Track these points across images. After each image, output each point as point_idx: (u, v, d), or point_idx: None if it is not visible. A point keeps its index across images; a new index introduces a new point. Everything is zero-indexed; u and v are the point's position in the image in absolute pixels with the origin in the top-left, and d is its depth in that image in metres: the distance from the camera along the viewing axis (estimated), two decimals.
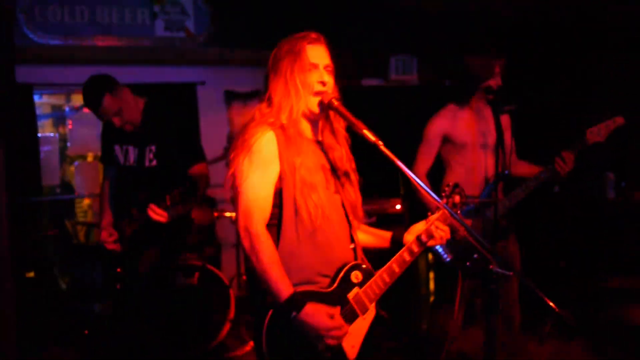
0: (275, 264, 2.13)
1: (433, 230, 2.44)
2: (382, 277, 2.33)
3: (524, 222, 4.05)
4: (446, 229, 2.46)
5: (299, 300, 2.10)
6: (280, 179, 2.22)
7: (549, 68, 5.92)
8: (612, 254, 5.08)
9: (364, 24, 5.87)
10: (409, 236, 2.47)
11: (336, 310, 2.16)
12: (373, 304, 2.34)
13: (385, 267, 2.36)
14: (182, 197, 3.35)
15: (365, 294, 2.29)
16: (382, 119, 5.77)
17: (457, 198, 2.53)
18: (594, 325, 4.77)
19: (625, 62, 5.35)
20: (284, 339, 2.14)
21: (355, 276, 2.29)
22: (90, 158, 6.62)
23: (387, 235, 2.54)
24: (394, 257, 2.38)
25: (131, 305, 3.94)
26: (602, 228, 5.24)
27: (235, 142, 2.27)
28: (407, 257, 2.39)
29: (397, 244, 2.49)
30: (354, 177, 2.45)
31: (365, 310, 2.30)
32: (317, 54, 2.32)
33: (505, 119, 3.83)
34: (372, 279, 2.32)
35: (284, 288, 2.10)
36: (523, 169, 3.82)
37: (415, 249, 2.41)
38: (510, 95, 3.52)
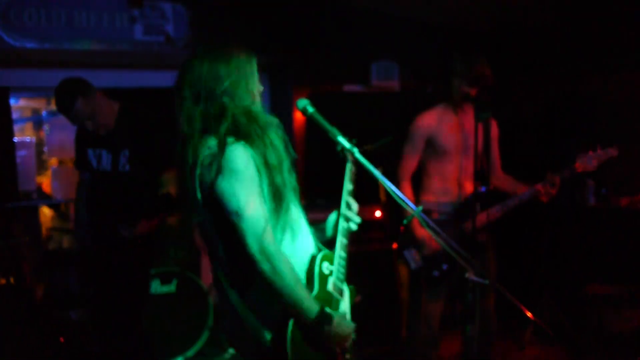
0: (299, 283, 2.10)
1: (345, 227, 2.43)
2: (340, 254, 2.35)
3: (504, 229, 4.05)
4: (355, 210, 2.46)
5: (327, 313, 2.12)
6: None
7: (534, 80, 5.96)
8: (592, 260, 5.10)
9: (345, 30, 5.86)
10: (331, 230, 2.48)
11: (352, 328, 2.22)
12: (344, 284, 2.38)
13: (337, 244, 2.36)
14: (154, 210, 3.35)
15: (338, 279, 2.32)
16: (363, 125, 5.82)
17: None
18: (574, 332, 4.79)
19: (613, 78, 5.39)
20: (307, 347, 2.14)
21: (327, 267, 2.31)
22: (67, 163, 6.54)
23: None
24: (339, 230, 2.38)
25: (108, 312, 3.89)
26: (582, 234, 5.25)
27: (202, 159, 2.12)
28: (346, 224, 2.40)
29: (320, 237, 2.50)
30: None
31: (342, 294, 2.34)
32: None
33: (494, 130, 3.84)
34: (336, 262, 2.33)
35: (312, 304, 2.10)
36: (506, 184, 3.81)
37: (349, 215, 2.41)
38: (490, 103, 3.50)
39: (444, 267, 3.64)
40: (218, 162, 2.07)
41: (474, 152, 3.68)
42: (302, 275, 2.26)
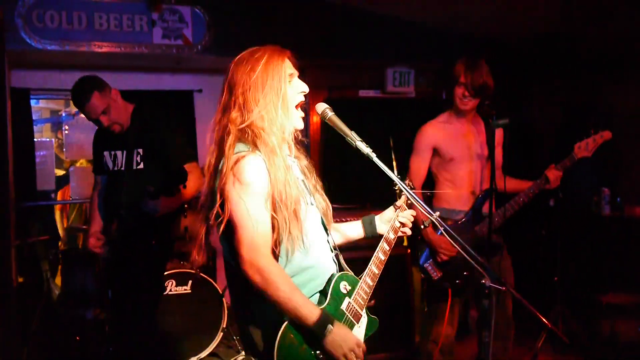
0: (295, 289, 2.10)
1: (397, 226, 2.48)
2: (366, 281, 2.34)
3: (519, 237, 4.04)
4: (409, 214, 2.49)
5: (328, 318, 2.11)
6: (273, 205, 2.15)
7: (541, 85, 5.96)
8: (607, 269, 5.08)
9: (362, 35, 5.89)
10: (382, 225, 2.52)
11: (362, 344, 2.19)
12: (364, 310, 2.34)
13: (365, 271, 2.36)
14: (169, 183, 3.38)
15: (356, 302, 2.30)
16: (378, 130, 5.84)
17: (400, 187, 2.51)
18: (588, 340, 4.76)
19: (618, 82, 5.37)
20: (297, 353, 2.13)
21: (344, 287, 2.28)
22: (85, 164, 6.60)
23: (358, 225, 2.58)
24: (371, 259, 2.38)
25: (123, 312, 3.93)
26: (597, 243, 5.24)
27: (222, 168, 2.15)
28: (383, 257, 2.41)
29: (369, 227, 2.56)
30: (319, 182, 2.45)
31: (358, 318, 2.30)
32: (291, 65, 2.30)
33: (498, 134, 3.84)
34: (358, 286, 2.32)
35: (312, 309, 2.10)
36: (510, 184, 3.83)
37: (387, 247, 2.43)
38: (505, 109, 3.53)
39: (465, 273, 3.64)
40: (233, 171, 2.11)
41: (488, 157, 3.71)
42: (316, 289, 2.26)
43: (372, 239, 2.56)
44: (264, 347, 2.16)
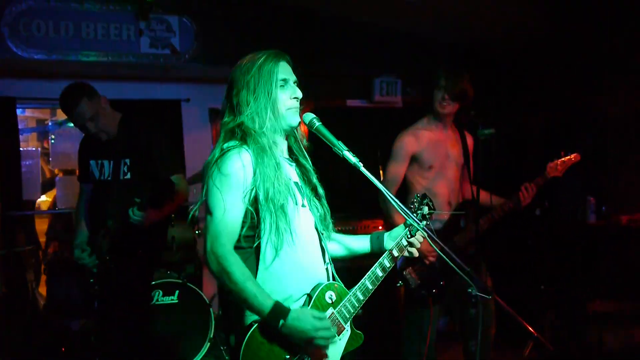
0: (249, 279, 2.11)
1: (403, 245, 2.45)
2: (356, 295, 2.33)
3: (506, 245, 4.06)
4: (419, 235, 2.45)
5: (283, 307, 2.10)
6: (256, 199, 2.19)
7: (528, 94, 6.00)
8: (593, 277, 5.11)
9: (349, 45, 5.91)
10: (390, 241, 2.49)
11: (322, 313, 2.17)
12: (349, 323, 2.33)
13: (358, 284, 2.35)
14: (156, 196, 3.37)
15: (340, 314, 2.29)
16: (366, 139, 5.85)
17: (425, 209, 2.53)
18: (575, 348, 4.78)
19: (605, 91, 5.42)
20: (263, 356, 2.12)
21: (329, 296, 2.28)
22: (72, 173, 6.56)
23: (365, 239, 2.55)
24: (367, 274, 2.37)
25: (109, 322, 3.90)
26: (582, 252, 5.27)
27: (208, 162, 2.24)
28: (380, 273, 2.39)
29: (376, 242, 2.52)
30: (320, 190, 2.46)
31: (341, 330, 2.29)
32: (286, 70, 2.35)
33: (470, 143, 3.89)
34: (345, 298, 2.31)
35: (266, 299, 2.09)
36: (483, 197, 3.85)
37: (388, 264, 2.41)
38: (491, 118, 3.56)
39: (441, 282, 3.65)
40: (216, 163, 2.19)
41: (463, 166, 3.74)
42: (304, 290, 2.26)
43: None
44: (236, 351, 2.16)
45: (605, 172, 5.45)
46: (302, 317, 2.09)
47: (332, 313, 2.27)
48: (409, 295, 3.76)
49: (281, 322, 2.07)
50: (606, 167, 5.42)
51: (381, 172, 5.17)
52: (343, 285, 2.36)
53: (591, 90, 5.50)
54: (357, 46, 5.96)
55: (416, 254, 2.48)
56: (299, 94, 2.34)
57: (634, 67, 5.13)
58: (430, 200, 2.57)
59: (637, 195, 5.20)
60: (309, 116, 2.34)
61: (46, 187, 6.72)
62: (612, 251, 5.10)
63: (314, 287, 2.28)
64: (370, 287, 2.36)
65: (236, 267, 2.11)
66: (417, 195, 2.56)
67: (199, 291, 4.78)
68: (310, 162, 2.45)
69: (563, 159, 3.77)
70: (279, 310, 2.08)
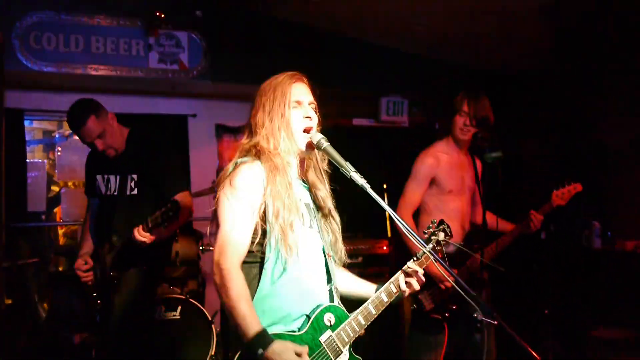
0: (243, 300, 2.09)
1: (409, 273, 2.40)
2: (357, 319, 2.30)
3: (510, 269, 4.04)
4: (419, 276, 2.40)
5: (266, 337, 2.06)
6: (264, 215, 2.20)
7: (537, 119, 6.00)
8: (597, 303, 5.07)
9: (356, 65, 5.94)
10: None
11: (304, 349, 2.11)
12: (347, 348, 2.29)
13: (360, 308, 2.33)
14: (163, 218, 3.36)
15: (339, 337, 2.26)
16: (372, 158, 5.86)
17: (441, 235, 2.52)
18: None
19: (610, 116, 5.43)
20: None
21: (328, 319, 2.26)
22: (76, 186, 6.58)
23: (371, 287, 2.49)
24: (371, 298, 2.35)
25: (111, 336, 3.88)
26: (588, 277, 5.23)
27: (220, 177, 2.27)
28: (385, 298, 2.37)
29: (381, 284, 2.45)
30: (335, 216, 2.46)
31: (338, 354, 2.25)
32: (301, 91, 2.37)
33: (479, 167, 3.89)
34: (346, 322, 2.29)
35: (252, 324, 2.07)
36: (491, 221, 3.85)
37: (394, 289, 2.38)
38: (497, 144, 3.56)
39: (453, 307, 3.63)
40: (229, 176, 2.23)
41: (478, 191, 3.73)
42: (303, 310, 2.24)
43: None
44: None
45: (610, 197, 5.43)
46: (282, 352, 2.04)
47: (330, 336, 2.24)
48: (421, 319, 3.74)
49: (260, 351, 2.03)
50: (611, 192, 5.40)
51: (385, 194, 5.19)
52: (344, 309, 2.33)
53: (593, 116, 5.51)
54: (364, 66, 5.99)
55: (416, 286, 2.40)
56: (312, 115, 2.35)
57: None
58: (448, 227, 2.55)
59: None
60: (317, 136, 2.34)
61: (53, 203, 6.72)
62: (617, 277, 5.06)
63: (314, 308, 2.26)
64: (374, 312, 2.33)
65: (236, 283, 2.10)
66: (433, 221, 2.54)
67: (202, 307, 4.75)
68: (327, 186, 2.46)
69: (568, 187, 3.77)
70: (261, 339, 2.05)
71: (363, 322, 2.31)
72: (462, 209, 3.83)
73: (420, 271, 2.41)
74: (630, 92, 5.22)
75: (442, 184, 3.78)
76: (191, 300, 4.69)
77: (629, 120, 5.27)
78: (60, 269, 6.25)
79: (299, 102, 2.34)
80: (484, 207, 3.55)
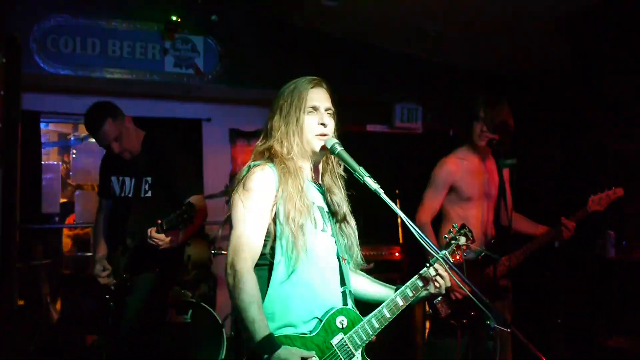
0: (254, 303, 2.10)
1: (430, 275, 2.38)
2: (371, 322, 2.29)
3: (523, 277, 4.01)
4: (446, 275, 2.38)
5: (273, 342, 2.07)
6: (277, 217, 2.21)
7: (551, 125, 5.96)
8: (611, 312, 5.03)
9: (371, 70, 5.94)
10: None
11: (311, 354, 2.11)
12: (360, 351, 2.28)
13: (375, 312, 2.31)
14: (178, 220, 3.37)
15: (351, 340, 2.24)
16: (385, 164, 5.85)
17: (462, 240, 2.49)
18: None
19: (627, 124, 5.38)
20: None
21: (340, 321, 2.25)
22: (91, 188, 6.61)
23: (389, 290, 2.46)
24: (386, 302, 2.33)
25: (122, 339, 3.89)
26: (602, 286, 5.19)
27: (237, 178, 2.29)
28: (401, 302, 2.34)
29: (398, 287, 2.44)
30: (351, 220, 2.45)
31: (350, 357, 2.23)
32: (318, 97, 2.36)
33: (506, 173, 3.83)
34: (359, 325, 2.27)
35: (260, 329, 2.07)
36: (521, 224, 3.80)
37: (410, 293, 2.37)
38: (513, 149, 3.53)
39: (472, 313, 3.60)
40: (243, 179, 2.25)
41: (498, 198, 3.69)
42: (314, 313, 2.23)
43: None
44: None
45: (626, 206, 5.38)
46: (287, 358, 2.05)
47: (342, 338, 2.23)
48: (438, 324, 3.71)
49: (265, 356, 2.04)
50: (627, 201, 5.36)
51: (397, 199, 5.17)
52: (357, 312, 2.32)
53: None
54: (378, 72, 5.99)
55: (434, 289, 2.37)
56: (327, 122, 2.34)
57: None
58: (470, 231, 2.53)
59: None
60: (331, 141, 2.33)
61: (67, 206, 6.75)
62: (630, 286, 5.01)
63: (326, 311, 2.25)
64: (388, 315, 2.31)
65: (249, 286, 2.11)
66: (455, 225, 2.53)
67: (213, 311, 4.76)
68: (343, 191, 2.45)
69: (608, 192, 3.66)
70: (268, 345, 2.05)
71: (377, 326, 2.29)
72: (484, 215, 3.78)
73: (444, 274, 2.36)
74: (630, 92, 5.17)
75: (461, 190, 3.76)
76: (202, 304, 4.70)
77: (631, 122, 5.23)
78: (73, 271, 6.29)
79: (315, 108, 2.34)
80: (509, 214, 3.52)
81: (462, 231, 2.52)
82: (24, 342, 4.65)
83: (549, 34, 5.01)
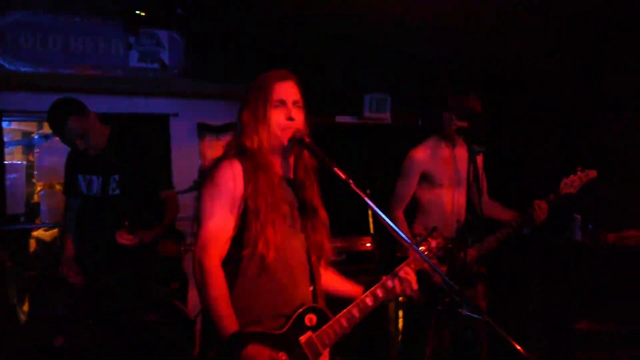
0: (222, 299, 2.09)
1: (398, 278, 2.38)
2: (340, 322, 2.28)
3: (494, 265, 4.05)
4: (412, 278, 2.38)
5: (242, 339, 2.05)
6: (245, 212, 2.19)
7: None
8: (579, 296, 5.10)
9: (339, 61, 5.92)
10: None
11: (281, 356, 2.10)
12: (327, 350, 2.27)
13: (344, 311, 2.30)
14: (146, 220, 3.34)
15: (319, 339, 2.23)
16: (355, 156, 5.85)
17: (433, 243, 2.50)
18: None
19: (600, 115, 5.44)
20: None
21: (309, 319, 2.24)
22: (57, 187, 6.50)
23: (358, 288, 2.47)
24: (355, 302, 2.32)
25: (92, 339, 3.85)
26: (569, 270, 5.26)
27: (204, 176, 2.27)
28: (370, 303, 2.34)
29: (368, 285, 2.43)
30: (322, 215, 2.44)
31: (317, 355, 2.22)
32: (286, 91, 2.34)
33: (479, 160, 3.87)
34: (327, 324, 2.26)
35: (229, 325, 2.06)
36: (496, 211, 3.84)
37: (380, 294, 2.36)
38: (483, 137, 3.56)
39: (446, 300, 3.62)
40: (210, 173, 2.24)
41: (467, 184, 3.72)
42: (282, 310, 2.22)
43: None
44: None
45: (591, 189, 5.45)
46: (256, 355, 2.04)
47: (310, 337, 2.22)
48: (411, 313, 3.73)
49: (233, 353, 2.03)
50: (595, 185, 5.43)
51: (368, 190, 5.18)
52: (327, 310, 2.31)
53: (593, 116, 5.51)
54: (347, 62, 5.97)
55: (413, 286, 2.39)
56: (295, 115, 2.32)
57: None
58: (441, 234, 2.54)
59: (624, 213, 5.21)
60: (299, 133, 2.32)
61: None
62: (598, 270, 5.09)
63: (295, 308, 2.24)
64: (357, 315, 2.30)
65: (216, 282, 2.10)
66: (425, 228, 2.53)
67: (184, 308, 4.72)
68: (315, 185, 2.44)
69: (579, 175, 3.70)
70: (237, 341, 2.05)
71: (346, 325, 2.28)
72: (457, 202, 3.82)
73: (411, 277, 2.38)
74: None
75: (433, 177, 3.79)
76: (173, 300, 4.65)
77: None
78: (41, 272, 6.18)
79: (282, 102, 2.32)
80: (480, 199, 3.55)
81: (432, 234, 2.53)
82: None
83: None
